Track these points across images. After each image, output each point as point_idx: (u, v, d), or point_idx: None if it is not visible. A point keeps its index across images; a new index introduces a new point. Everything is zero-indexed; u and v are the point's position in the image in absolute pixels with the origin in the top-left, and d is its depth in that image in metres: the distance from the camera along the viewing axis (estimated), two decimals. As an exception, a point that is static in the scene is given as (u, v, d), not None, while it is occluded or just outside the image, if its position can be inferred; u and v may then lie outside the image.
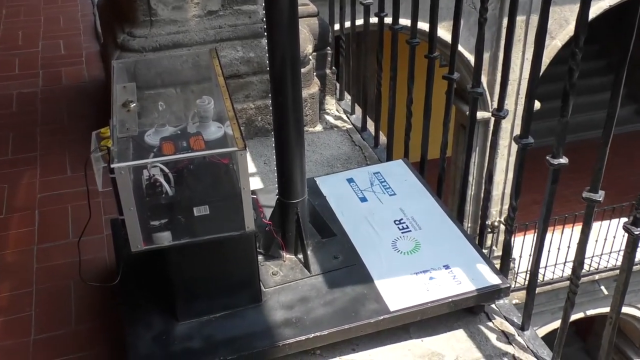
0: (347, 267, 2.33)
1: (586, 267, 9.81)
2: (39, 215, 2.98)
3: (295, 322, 2.12)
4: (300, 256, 2.36)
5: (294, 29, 2.02)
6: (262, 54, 3.22)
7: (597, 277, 10.33)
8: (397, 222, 2.53)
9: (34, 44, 4.76)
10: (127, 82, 2.29)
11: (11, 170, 3.32)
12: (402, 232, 2.48)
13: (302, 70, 3.34)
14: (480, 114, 9.63)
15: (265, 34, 2.08)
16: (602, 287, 10.52)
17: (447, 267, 2.32)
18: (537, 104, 9.60)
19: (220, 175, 2.01)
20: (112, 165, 1.76)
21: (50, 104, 3.91)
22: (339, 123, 3.54)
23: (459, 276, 2.28)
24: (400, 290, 2.23)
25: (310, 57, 3.38)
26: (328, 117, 3.58)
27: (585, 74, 11.51)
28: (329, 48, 3.57)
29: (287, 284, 2.27)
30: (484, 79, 9.10)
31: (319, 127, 3.48)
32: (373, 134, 3.42)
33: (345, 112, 3.65)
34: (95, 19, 4.85)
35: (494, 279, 2.26)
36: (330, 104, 3.63)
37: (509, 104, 9.50)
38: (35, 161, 3.37)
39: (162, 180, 1.93)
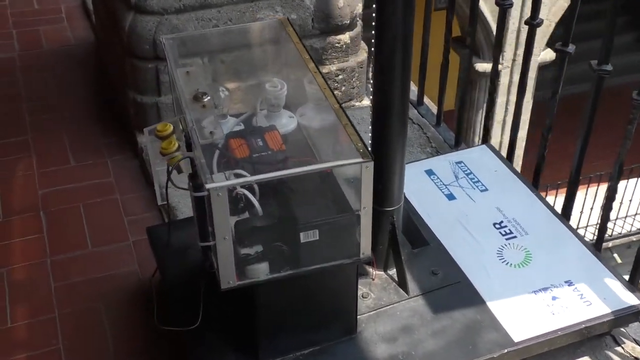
0: (450, 286, 2.13)
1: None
2: (45, 218, 2.69)
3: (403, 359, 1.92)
4: (391, 272, 2.15)
5: (410, 2, 1.76)
6: (305, 16, 2.94)
7: (610, 244, 10.37)
8: (497, 226, 2.33)
9: (-2, -5, 4.36)
10: (180, 61, 2.01)
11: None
12: (507, 239, 2.28)
13: (351, 34, 3.09)
14: (482, 67, 9.38)
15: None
16: (615, 255, 10.57)
17: (569, 283, 2.13)
18: (551, 54, 9.26)
19: (321, 187, 1.77)
20: (207, 186, 1.50)
21: (32, 73, 3.57)
22: (389, 95, 3.29)
23: (587, 295, 2.10)
24: (520, 315, 2.04)
25: (359, 17, 3.12)
26: (376, 89, 3.32)
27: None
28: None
29: (382, 308, 2.06)
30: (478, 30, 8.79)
31: (366, 101, 3.23)
32: (431, 108, 3.19)
33: (394, 81, 3.39)
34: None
35: (630, 299, 2.09)
36: (377, 73, 3.37)
37: (507, 57, 9.23)
38: (27, 147, 3.05)
39: (250, 196, 1.68)
